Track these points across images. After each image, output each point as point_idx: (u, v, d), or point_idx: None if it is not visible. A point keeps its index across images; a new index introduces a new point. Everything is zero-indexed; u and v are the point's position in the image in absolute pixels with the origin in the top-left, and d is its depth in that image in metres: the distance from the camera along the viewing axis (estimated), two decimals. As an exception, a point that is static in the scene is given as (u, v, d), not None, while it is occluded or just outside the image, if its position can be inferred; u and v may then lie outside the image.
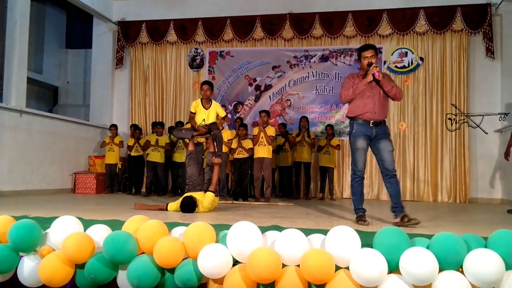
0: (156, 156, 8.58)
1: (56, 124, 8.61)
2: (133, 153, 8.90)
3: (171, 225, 2.85)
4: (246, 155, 7.65)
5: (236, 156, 7.69)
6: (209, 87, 5.83)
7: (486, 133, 8.04)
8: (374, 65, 4.18)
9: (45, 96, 12.18)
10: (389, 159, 4.19)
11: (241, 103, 9.79)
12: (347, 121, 9.09)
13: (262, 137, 7.40)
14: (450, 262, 2.29)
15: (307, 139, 8.43)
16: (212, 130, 5.71)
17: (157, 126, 8.84)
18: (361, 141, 4.26)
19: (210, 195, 5.13)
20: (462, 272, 2.29)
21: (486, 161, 8.61)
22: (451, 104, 8.67)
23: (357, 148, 4.28)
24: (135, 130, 9.06)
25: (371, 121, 4.23)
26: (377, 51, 4.34)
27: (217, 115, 5.92)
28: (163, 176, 8.67)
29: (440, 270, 2.27)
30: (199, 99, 5.91)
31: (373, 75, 4.17)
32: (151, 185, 8.81)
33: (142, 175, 9.06)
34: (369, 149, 4.40)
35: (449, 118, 8.68)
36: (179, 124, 8.86)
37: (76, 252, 2.57)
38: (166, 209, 5.11)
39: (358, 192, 4.36)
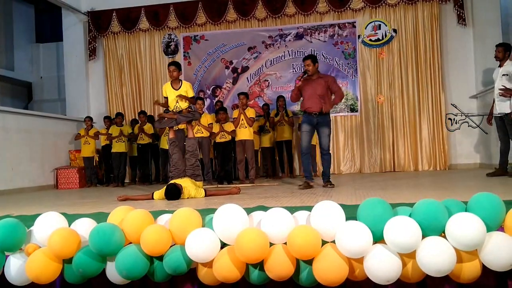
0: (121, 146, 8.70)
1: (32, 121, 8.46)
2: (140, 141, 8.75)
3: (157, 213, 2.85)
4: (228, 138, 7.66)
5: (218, 140, 7.70)
6: (175, 67, 5.67)
7: (486, 133, 8.17)
8: (299, 76, 5.71)
9: (19, 93, 11.94)
10: (324, 142, 5.62)
11: (219, 87, 9.73)
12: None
13: (242, 120, 7.39)
14: (433, 228, 2.34)
15: (286, 118, 8.44)
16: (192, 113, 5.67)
17: (140, 115, 8.79)
18: (305, 126, 5.66)
19: (202, 192, 5.11)
20: (444, 237, 2.34)
21: (463, 127, 8.74)
22: (451, 104, 8.73)
23: (302, 131, 5.69)
24: (139, 116, 8.85)
25: (313, 112, 5.58)
26: (316, 59, 5.69)
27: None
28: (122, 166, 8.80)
29: (423, 236, 2.32)
30: (169, 82, 5.77)
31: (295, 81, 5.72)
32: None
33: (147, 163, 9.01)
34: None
35: (449, 118, 8.78)
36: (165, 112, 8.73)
37: (62, 247, 2.56)
38: (152, 198, 5.10)
39: (304, 164, 5.76)
